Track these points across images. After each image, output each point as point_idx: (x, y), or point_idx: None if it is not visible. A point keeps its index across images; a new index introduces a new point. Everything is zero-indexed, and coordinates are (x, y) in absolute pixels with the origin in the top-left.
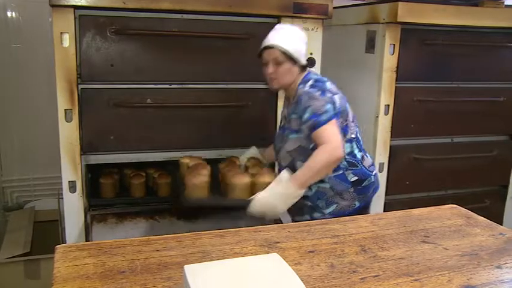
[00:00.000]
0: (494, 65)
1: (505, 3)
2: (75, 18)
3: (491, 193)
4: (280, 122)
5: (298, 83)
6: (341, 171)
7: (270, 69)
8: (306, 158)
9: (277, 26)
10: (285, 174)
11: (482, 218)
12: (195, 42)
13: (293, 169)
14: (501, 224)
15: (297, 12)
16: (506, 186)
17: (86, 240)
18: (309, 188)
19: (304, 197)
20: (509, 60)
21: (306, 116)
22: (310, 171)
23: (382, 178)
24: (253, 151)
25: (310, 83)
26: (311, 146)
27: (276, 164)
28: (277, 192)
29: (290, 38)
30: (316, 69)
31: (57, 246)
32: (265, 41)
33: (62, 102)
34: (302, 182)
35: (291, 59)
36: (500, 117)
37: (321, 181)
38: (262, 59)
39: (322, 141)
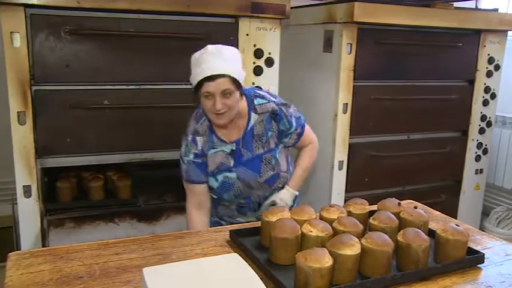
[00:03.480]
0: (446, 64)
1: (455, 5)
2: (26, 17)
3: (446, 188)
4: (231, 157)
5: (245, 105)
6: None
7: (219, 104)
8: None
9: (212, 49)
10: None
11: (438, 212)
12: (153, 43)
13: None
14: (456, 218)
15: (255, 12)
16: (460, 181)
17: (43, 246)
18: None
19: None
20: (459, 60)
21: (294, 125)
22: (306, 171)
23: (342, 176)
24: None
25: (256, 97)
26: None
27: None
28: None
29: (234, 61)
30: (274, 70)
31: (9, 253)
32: (206, 69)
33: (15, 104)
34: (300, 185)
35: (239, 86)
36: (453, 114)
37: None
38: (203, 92)
39: (308, 142)
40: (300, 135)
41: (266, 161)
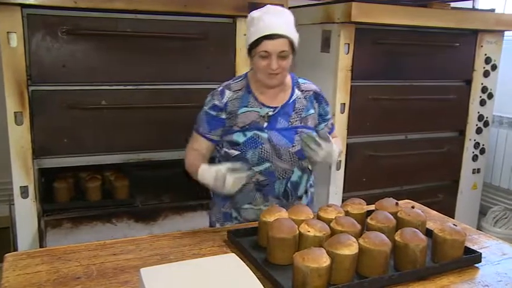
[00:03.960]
0: (443, 64)
1: (452, 5)
2: (22, 17)
3: (443, 188)
4: (264, 120)
5: (290, 80)
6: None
7: (275, 63)
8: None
9: (274, 9)
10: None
11: (435, 212)
12: (150, 43)
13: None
14: (453, 217)
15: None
16: (457, 181)
17: (40, 247)
18: (305, 193)
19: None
20: (456, 60)
21: (329, 115)
22: (339, 152)
23: (339, 176)
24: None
25: (299, 77)
26: None
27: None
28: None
29: (292, 24)
30: None
31: (6, 254)
32: (267, 27)
33: (12, 105)
34: (338, 153)
35: (294, 50)
36: (451, 114)
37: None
38: (260, 50)
39: (335, 136)
40: (333, 127)
41: (301, 134)
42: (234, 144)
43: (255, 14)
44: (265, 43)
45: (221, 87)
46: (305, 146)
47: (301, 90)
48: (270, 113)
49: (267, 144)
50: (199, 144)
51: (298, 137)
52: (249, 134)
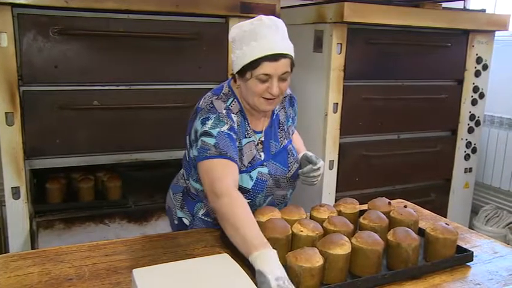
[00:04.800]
0: (435, 64)
1: (443, 6)
2: (13, 16)
3: (436, 187)
4: (259, 150)
5: None
6: None
7: (276, 88)
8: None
9: (269, 20)
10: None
11: (428, 211)
12: (142, 43)
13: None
14: (445, 216)
15: (245, 12)
16: (449, 180)
17: (32, 249)
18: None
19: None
20: (448, 59)
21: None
22: None
23: (332, 175)
24: None
25: None
26: None
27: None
28: None
29: (287, 36)
30: None
31: None
32: (267, 46)
33: (3, 105)
34: None
35: (292, 69)
36: (443, 114)
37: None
38: (260, 73)
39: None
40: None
41: (290, 152)
42: (244, 191)
43: (245, 27)
44: (266, 65)
45: (224, 111)
46: (305, 178)
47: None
48: (262, 139)
49: (269, 180)
50: (233, 173)
51: (291, 159)
52: (254, 175)
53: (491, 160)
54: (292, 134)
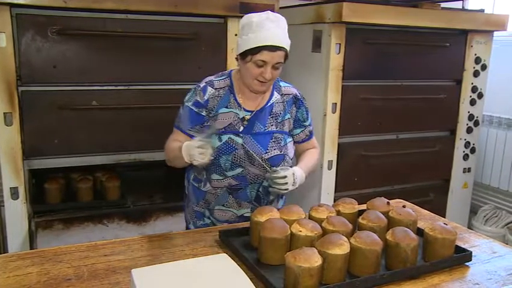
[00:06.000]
0: (433, 64)
1: (442, 6)
2: (12, 16)
3: (434, 187)
4: (241, 123)
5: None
6: None
7: (269, 73)
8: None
9: (274, 16)
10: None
11: (426, 211)
12: (141, 43)
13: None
14: (444, 216)
15: (243, 12)
16: (448, 180)
17: (31, 249)
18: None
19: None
20: (446, 59)
21: (309, 121)
22: (313, 167)
23: (331, 175)
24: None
25: (281, 80)
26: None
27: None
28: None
29: (287, 33)
30: None
31: None
32: (269, 38)
33: (1, 105)
34: (306, 175)
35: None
36: (441, 114)
37: None
38: (257, 59)
39: (313, 146)
40: (311, 135)
41: (276, 139)
42: None
43: (254, 18)
44: (264, 53)
45: (203, 84)
46: (271, 183)
47: (281, 94)
48: (247, 117)
49: (240, 149)
50: (180, 140)
51: (273, 144)
52: (224, 138)
53: (490, 160)
54: (296, 131)
